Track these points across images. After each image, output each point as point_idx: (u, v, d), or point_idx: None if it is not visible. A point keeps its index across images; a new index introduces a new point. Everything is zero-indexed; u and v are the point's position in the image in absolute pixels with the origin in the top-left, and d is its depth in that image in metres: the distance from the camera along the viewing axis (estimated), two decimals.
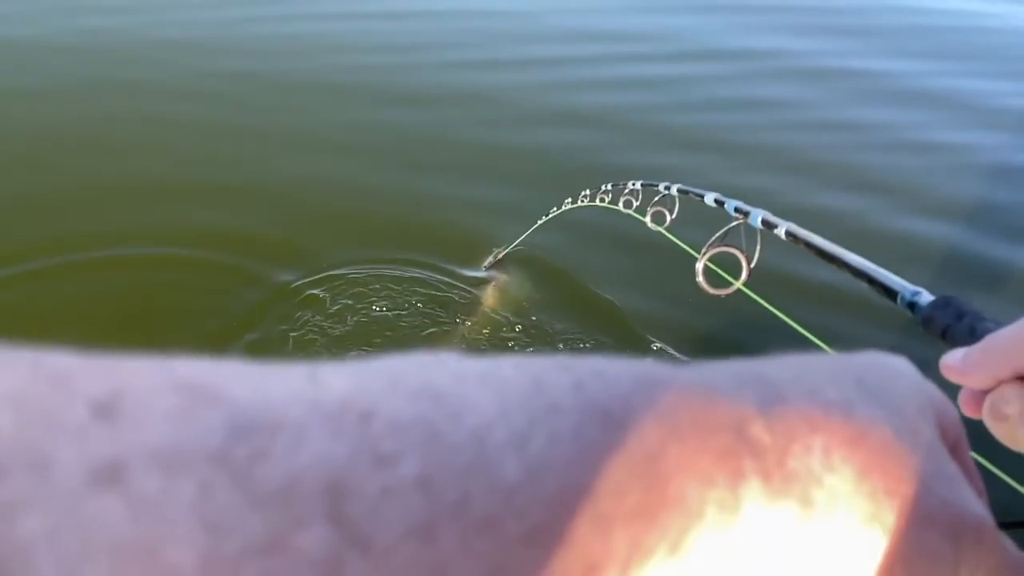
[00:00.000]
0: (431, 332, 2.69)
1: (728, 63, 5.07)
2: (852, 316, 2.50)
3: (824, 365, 0.28)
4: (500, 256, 3.02)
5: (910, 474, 0.25)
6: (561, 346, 2.63)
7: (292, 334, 2.62)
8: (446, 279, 2.96)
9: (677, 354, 2.63)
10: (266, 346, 2.60)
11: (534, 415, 0.22)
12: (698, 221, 1.26)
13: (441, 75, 4.79)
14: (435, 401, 0.21)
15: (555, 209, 2.74)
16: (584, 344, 2.66)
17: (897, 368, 0.29)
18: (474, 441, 0.20)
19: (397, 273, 2.95)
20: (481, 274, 2.99)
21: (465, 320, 2.77)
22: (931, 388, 0.29)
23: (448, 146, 3.99)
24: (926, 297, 0.55)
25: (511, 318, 2.80)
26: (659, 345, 2.65)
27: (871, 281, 0.64)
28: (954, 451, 0.29)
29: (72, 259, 2.93)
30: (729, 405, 0.24)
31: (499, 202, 3.47)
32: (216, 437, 0.18)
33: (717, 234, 1.03)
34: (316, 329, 2.65)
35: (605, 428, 0.22)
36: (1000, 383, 0.42)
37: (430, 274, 2.98)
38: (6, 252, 2.94)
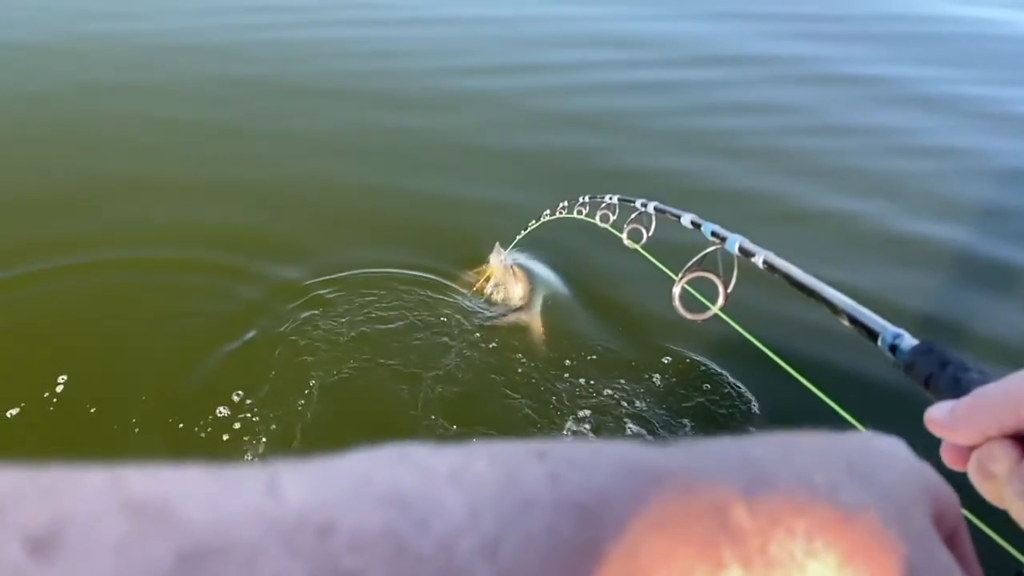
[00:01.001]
0: (440, 340, 2.68)
1: (737, 69, 5.15)
2: (845, 336, 2.50)
3: (814, 446, 0.27)
4: (490, 269, 3.01)
5: (898, 562, 0.24)
6: (568, 361, 2.62)
7: (293, 338, 2.63)
8: (449, 283, 2.97)
9: (692, 355, 2.63)
10: (266, 347, 2.59)
11: (507, 515, 0.21)
12: (680, 235, 1.25)
13: (446, 80, 4.82)
14: (401, 508, 0.20)
15: (534, 222, 2.75)
16: (592, 355, 2.65)
17: (891, 451, 0.28)
18: (442, 552, 0.19)
19: (402, 274, 2.97)
20: (476, 300, 2.99)
21: (470, 328, 2.76)
22: (927, 472, 0.28)
23: (452, 149, 4.03)
24: (908, 341, 0.55)
25: (518, 325, 2.81)
26: (669, 357, 2.63)
27: (852, 320, 0.63)
28: (951, 539, 0.28)
29: (88, 258, 2.96)
30: (711, 490, 0.24)
31: (503, 203, 3.50)
32: (163, 569, 0.17)
33: (694, 259, 1.02)
34: (320, 332, 2.65)
35: (581, 524, 0.21)
36: (987, 439, 0.41)
37: (434, 277, 2.99)
38: (14, 250, 2.96)
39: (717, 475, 0.24)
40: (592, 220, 2.20)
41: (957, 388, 0.46)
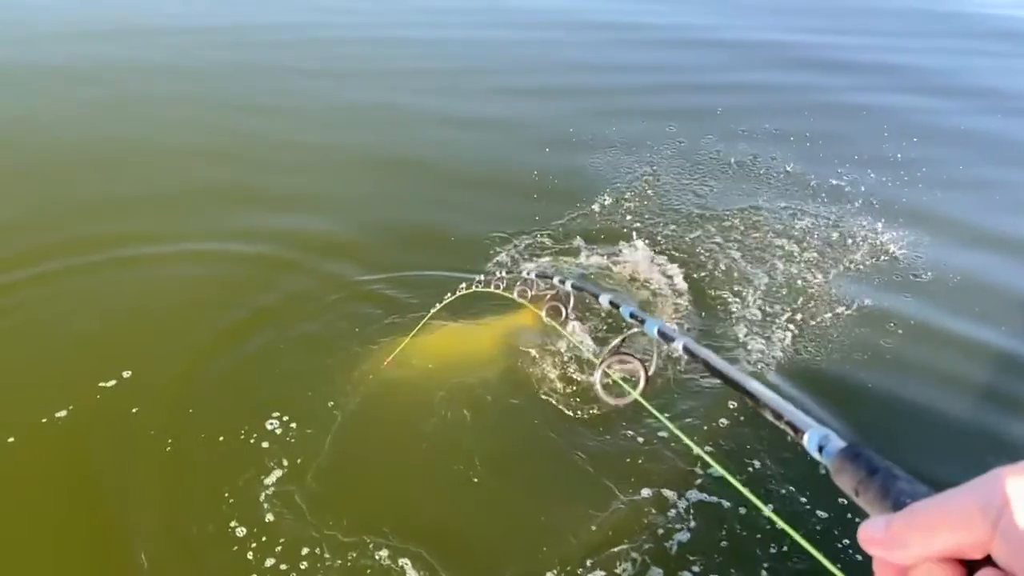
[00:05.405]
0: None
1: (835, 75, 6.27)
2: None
3: None
4: (395, 353, 2.93)
5: None
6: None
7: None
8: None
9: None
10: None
11: None
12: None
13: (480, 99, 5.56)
14: None
15: (449, 295, 2.71)
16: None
17: None
18: None
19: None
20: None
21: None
22: None
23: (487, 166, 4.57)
24: (835, 443, 0.53)
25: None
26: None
27: (776, 415, 0.62)
28: None
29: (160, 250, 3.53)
30: None
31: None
32: None
33: (614, 342, 1.00)
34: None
35: None
36: (923, 560, 0.40)
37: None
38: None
39: None
40: (510, 295, 2.19)
41: (886, 500, 0.44)
